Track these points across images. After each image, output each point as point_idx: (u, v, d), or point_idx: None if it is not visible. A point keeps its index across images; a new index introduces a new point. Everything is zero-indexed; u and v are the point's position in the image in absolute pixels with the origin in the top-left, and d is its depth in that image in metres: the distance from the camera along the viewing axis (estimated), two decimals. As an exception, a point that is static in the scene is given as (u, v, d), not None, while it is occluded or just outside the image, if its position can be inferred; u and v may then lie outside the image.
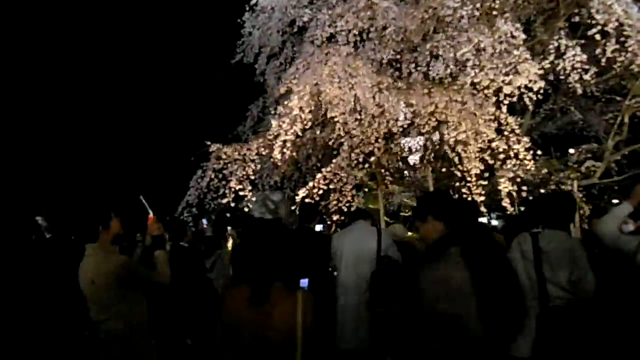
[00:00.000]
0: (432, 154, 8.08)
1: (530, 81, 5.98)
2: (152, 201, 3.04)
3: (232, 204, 6.95)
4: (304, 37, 10.13)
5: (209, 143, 7.23)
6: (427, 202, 2.58)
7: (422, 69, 6.63)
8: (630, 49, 6.49)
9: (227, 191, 7.03)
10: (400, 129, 6.71)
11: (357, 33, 7.47)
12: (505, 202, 6.40)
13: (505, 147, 6.04)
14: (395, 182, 9.75)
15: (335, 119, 6.23)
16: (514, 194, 6.40)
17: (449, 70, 6.92)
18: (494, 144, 5.98)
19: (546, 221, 3.00)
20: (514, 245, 2.93)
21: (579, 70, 6.66)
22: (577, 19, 7.24)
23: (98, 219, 2.59)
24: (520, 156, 6.03)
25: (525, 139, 6.18)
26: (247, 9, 11.58)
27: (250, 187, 7.03)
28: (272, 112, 9.96)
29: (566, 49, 6.89)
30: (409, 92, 6.32)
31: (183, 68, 18.87)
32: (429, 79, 6.58)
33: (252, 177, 7.13)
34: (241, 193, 7.01)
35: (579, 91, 6.74)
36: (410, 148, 10.63)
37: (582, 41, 7.17)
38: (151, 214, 2.83)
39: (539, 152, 6.51)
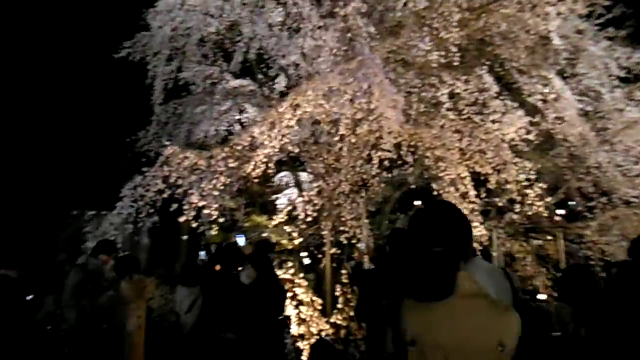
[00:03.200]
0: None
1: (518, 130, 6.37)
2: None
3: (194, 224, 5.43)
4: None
5: (167, 144, 5.62)
6: None
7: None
8: (566, 119, 7.59)
9: (186, 207, 5.48)
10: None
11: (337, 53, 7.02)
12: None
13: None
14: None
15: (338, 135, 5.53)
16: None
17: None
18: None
19: None
20: None
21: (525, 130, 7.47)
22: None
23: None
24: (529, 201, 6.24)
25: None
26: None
27: (216, 204, 5.62)
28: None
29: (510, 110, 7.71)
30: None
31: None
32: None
33: (216, 193, 5.73)
34: (206, 211, 5.54)
35: (525, 149, 7.50)
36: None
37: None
38: None
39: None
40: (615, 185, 8.07)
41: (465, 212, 6.11)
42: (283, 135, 5.56)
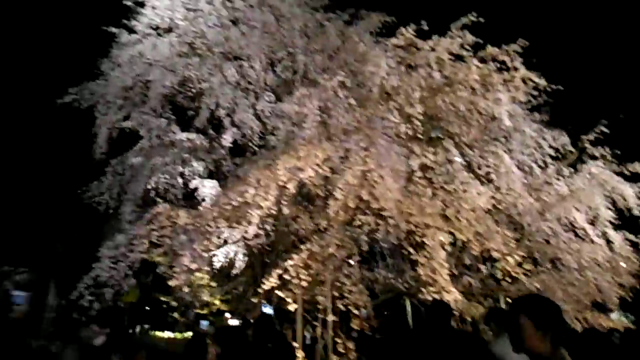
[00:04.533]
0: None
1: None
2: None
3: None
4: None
5: (160, 201, 5.29)
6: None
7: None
8: (517, 190, 8.44)
9: (177, 269, 5.11)
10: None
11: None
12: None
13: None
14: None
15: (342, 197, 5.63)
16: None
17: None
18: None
19: None
20: None
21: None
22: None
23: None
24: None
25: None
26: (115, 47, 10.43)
27: (207, 268, 5.31)
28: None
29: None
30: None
31: None
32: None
33: (208, 255, 5.45)
34: (199, 275, 5.19)
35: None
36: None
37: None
38: None
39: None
40: (556, 252, 8.98)
41: (445, 277, 6.42)
42: (279, 196, 5.54)
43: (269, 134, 10.62)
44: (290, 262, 5.76)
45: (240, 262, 11.90)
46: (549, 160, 9.78)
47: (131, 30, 10.47)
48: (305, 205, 6.70)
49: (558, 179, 9.85)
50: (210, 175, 11.28)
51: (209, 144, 11.15)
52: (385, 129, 7.97)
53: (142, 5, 9.73)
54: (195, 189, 12.05)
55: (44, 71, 13.53)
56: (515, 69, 8.56)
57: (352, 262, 5.84)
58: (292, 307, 5.36)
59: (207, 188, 10.19)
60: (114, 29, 10.14)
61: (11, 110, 13.00)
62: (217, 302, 15.60)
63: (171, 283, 5.08)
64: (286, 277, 5.65)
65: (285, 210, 6.02)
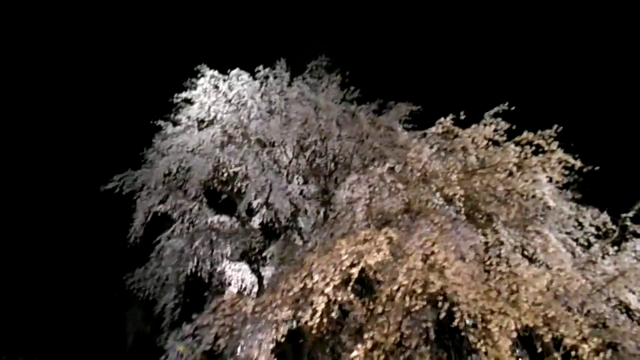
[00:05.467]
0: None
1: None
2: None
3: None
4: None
5: (231, 290, 5.27)
6: None
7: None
8: (567, 271, 8.26)
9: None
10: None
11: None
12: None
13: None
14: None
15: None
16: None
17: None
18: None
19: None
20: None
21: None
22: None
23: None
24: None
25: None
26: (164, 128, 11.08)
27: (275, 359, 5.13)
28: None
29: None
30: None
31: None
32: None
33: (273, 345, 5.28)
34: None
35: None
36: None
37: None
38: None
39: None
40: (616, 337, 8.48)
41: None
42: (344, 281, 5.50)
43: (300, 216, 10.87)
44: (355, 352, 5.53)
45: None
46: (591, 239, 9.65)
47: (175, 123, 11.18)
48: (361, 291, 6.60)
49: (603, 258, 9.62)
50: (240, 257, 11.28)
51: (241, 227, 11.36)
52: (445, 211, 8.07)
53: (191, 102, 10.46)
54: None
55: (91, 161, 14.35)
56: (552, 151, 8.80)
57: (424, 352, 5.59)
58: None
59: (234, 271, 10.16)
60: (161, 123, 10.81)
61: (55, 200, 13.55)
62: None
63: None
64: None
65: (344, 297, 5.91)
